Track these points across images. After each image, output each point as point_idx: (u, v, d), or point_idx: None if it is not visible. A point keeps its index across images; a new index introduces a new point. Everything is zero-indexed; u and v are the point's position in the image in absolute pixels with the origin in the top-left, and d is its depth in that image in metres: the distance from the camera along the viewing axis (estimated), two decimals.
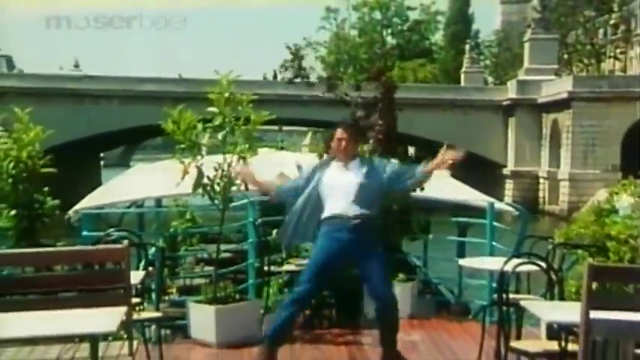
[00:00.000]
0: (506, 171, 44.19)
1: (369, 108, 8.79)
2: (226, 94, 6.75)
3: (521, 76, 46.48)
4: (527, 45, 48.68)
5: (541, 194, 42.64)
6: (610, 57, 60.30)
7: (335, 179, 5.78)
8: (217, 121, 6.67)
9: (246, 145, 6.63)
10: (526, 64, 47.76)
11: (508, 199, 40.89)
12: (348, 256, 5.73)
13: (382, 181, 5.79)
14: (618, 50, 59.90)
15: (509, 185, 43.67)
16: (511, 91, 45.44)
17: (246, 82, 37.82)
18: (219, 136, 6.65)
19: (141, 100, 41.19)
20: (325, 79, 10.06)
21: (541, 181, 43.07)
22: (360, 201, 5.67)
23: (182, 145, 6.66)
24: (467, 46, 59.05)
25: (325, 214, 5.73)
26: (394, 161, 6.08)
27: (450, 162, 5.84)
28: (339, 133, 5.90)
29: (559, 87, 42.44)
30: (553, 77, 45.81)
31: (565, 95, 40.43)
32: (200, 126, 6.69)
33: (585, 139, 39.68)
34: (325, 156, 6.61)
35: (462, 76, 56.47)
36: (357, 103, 8.99)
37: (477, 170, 42.92)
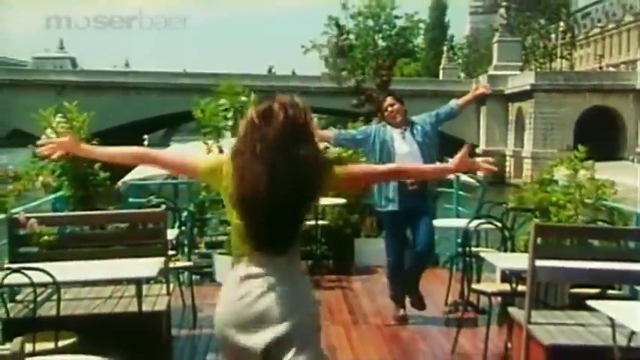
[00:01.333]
0: (478, 150, 43.95)
1: (372, 95, 8.85)
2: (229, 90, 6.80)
3: (491, 72, 46.72)
4: (495, 46, 49.05)
5: (507, 169, 42.77)
6: (560, 57, 60.55)
7: (401, 147, 5.42)
8: (230, 112, 6.76)
9: None
10: (495, 61, 48.20)
11: (480, 173, 41.15)
12: (412, 215, 5.48)
13: (432, 133, 5.54)
14: (566, 52, 60.34)
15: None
16: (482, 84, 45.60)
17: (262, 76, 37.58)
18: (231, 122, 6.73)
19: (175, 91, 41.24)
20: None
21: (507, 158, 43.21)
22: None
23: (206, 130, 6.76)
24: (444, 48, 59.31)
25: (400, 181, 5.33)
26: (431, 113, 5.77)
27: (482, 94, 6.03)
28: (391, 99, 5.56)
29: (523, 80, 42.71)
30: (518, 72, 46.02)
31: (528, 87, 40.75)
32: (221, 114, 6.77)
33: (545, 123, 40.09)
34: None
35: (441, 72, 56.68)
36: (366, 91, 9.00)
37: (455, 149, 43.47)
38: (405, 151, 5.40)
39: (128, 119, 40.73)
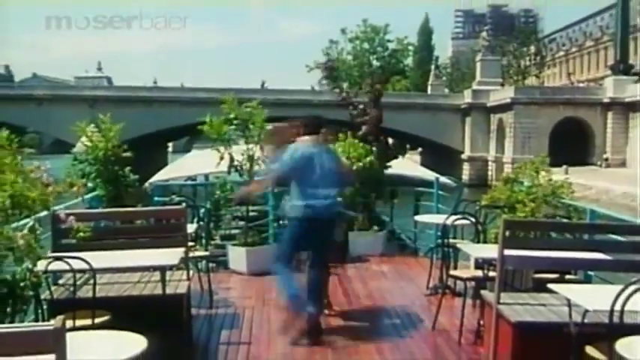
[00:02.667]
0: (464, 156, 43.86)
1: (365, 107, 8.81)
2: (234, 104, 6.86)
3: (475, 87, 46.40)
4: (478, 64, 48.41)
5: (489, 173, 42.26)
6: (532, 75, 60.55)
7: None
8: (236, 122, 6.79)
9: (259, 136, 6.74)
10: (478, 77, 47.52)
11: (465, 176, 41.07)
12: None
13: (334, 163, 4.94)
14: (537, 71, 60.45)
15: (466, 166, 43.36)
16: (467, 98, 45.21)
17: (273, 90, 37.20)
18: (239, 132, 6.77)
19: (194, 103, 40.15)
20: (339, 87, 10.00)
21: (489, 163, 42.72)
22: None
23: (215, 139, 6.82)
24: (432, 67, 59.38)
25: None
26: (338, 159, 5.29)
27: None
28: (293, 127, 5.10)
29: (504, 94, 42.33)
30: (499, 87, 45.64)
31: (509, 100, 40.31)
32: (226, 126, 6.81)
33: (523, 132, 39.50)
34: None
35: (429, 87, 56.38)
36: (356, 103, 8.93)
37: (443, 156, 43.12)
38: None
39: (152, 129, 40.22)
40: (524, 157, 37.66)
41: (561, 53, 73.52)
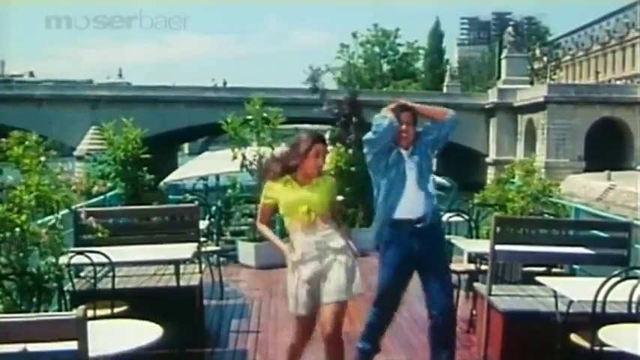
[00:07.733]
0: (489, 159, 39.01)
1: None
2: (258, 106, 6.90)
3: (500, 85, 41.03)
4: (504, 61, 42.66)
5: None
6: (544, 77, 59.48)
7: (402, 172, 3.55)
8: (252, 123, 6.83)
9: (271, 138, 6.77)
10: (503, 76, 42.09)
11: (490, 182, 37.15)
12: (413, 262, 3.57)
13: (430, 152, 3.67)
14: (551, 73, 59.48)
15: (491, 170, 37.53)
16: (492, 97, 40.19)
17: (281, 89, 35.74)
18: (254, 134, 6.80)
19: (202, 104, 37.66)
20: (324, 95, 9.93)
21: None
22: (425, 196, 3.56)
23: (234, 140, 6.85)
24: (448, 67, 57.78)
25: (395, 215, 3.56)
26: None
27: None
28: (404, 116, 3.53)
29: (534, 93, 37.27)
30: (527, 86, 40.63)
31: (541, 99, 35.37)
32: (242, 127, 6.85)
33: (557, 134, 34.77)
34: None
35: (445, 88, 51.15)
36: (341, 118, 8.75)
37: (466, 159, 38.34)
38: (403, 177, 3.59)
39: (158, 130, 36.30)
40: (560, 161, 32.34)
41: (567, 57, 72.02)
